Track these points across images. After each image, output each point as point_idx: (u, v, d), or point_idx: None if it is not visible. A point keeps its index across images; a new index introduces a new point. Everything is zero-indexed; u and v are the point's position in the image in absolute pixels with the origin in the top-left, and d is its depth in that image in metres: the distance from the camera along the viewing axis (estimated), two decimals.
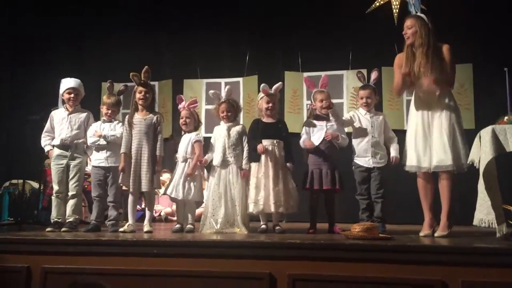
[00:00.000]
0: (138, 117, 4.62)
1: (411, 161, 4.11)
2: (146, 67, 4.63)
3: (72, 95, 4.81)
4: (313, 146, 4.60)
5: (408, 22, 4.15)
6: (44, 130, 4.86)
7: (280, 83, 4.80)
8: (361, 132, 4.72)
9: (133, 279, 3.43)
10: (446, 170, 3.97)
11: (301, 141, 4.71)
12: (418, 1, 4.21)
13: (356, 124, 4.75)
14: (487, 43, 6.54)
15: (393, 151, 4.70)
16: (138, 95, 4.62)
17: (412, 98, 4.24)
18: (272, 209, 4.44)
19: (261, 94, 4.69)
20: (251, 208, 4.48)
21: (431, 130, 4.04)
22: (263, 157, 4.52)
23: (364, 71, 4.98)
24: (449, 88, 4.09)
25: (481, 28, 6.58)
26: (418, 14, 4.17)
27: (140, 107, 4.65)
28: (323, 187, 4.54)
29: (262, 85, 4.67)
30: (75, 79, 4.88)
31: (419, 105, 4.15)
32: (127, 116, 4.66)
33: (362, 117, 4.77)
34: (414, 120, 4.16)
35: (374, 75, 4.79)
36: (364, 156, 4.67)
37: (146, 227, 4.46)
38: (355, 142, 4.75)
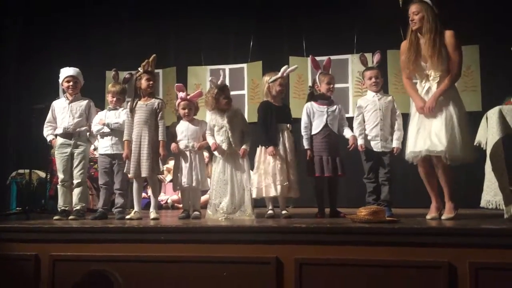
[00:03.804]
0: (139, 103, 4.60)
1: (408, 148, 4.06)
2: (153, 55, 4.61)
3: (71, 83, 4.82)
4: None
5: (414, 8, 4.03)
6: (46, 120, 4.89)
7: (296, 65, 4.90)
8: (371, 117, 4.58)
9: (140, 265, 3.45)
10: (437, 155, 3.87)
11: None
12: None
13: (366, 111, 4.62)
14: (493, 24, 6.46)
15: (395, 141, 4.52)
16: (145, 83, 4.59)
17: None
18: (279, 193, 4.47)
19: (275, 77, 4.63)
20: (262, 193, 4.50)
21: (429, 118, 3.95)
22: None
23: (369, 55, 4.92)
24: (455, 79, 3.97)
25: (487, 9, 6.49)
26: None
27: (143, 94, 4.63)
28: (325, 174, 4.54)
29: (285, 67, 4.67)
30: (73, 67, 4.89)
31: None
32: (129, 103, 4.66)
33: (370, 101, 4.62)
34: (414, 111, 4.08)
35: (377, 57, 4.70)
36: (373, 140, 4.56)
37: (152, 214, 4.46)
38: (366, 126, 4.62)
